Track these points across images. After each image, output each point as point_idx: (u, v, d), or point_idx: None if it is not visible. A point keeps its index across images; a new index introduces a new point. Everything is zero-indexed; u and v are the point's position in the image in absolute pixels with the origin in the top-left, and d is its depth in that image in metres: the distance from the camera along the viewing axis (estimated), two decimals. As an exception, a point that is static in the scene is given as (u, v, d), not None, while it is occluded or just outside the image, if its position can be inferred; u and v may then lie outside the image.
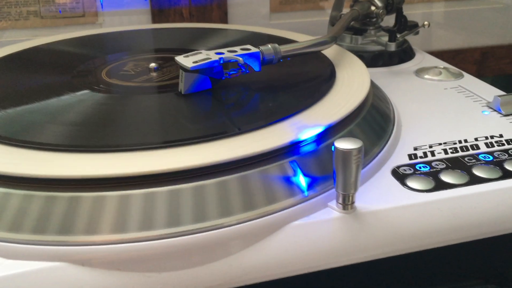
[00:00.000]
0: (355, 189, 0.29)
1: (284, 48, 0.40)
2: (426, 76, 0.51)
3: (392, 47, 0.53)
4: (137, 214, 0.27)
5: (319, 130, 0.32)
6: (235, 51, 0.39)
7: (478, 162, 0.35)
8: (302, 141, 0.32)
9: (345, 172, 0.28)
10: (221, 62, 0.37)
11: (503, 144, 0.37)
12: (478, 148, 0.36)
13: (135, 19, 0.66)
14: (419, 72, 0.52)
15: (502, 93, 0.46)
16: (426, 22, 0.53)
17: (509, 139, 0.37)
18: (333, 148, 0.28)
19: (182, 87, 0.38)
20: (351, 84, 0.40)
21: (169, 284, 0.27)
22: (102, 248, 0.27)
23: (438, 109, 0.43)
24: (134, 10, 0.66)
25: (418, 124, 0.41)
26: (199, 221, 0.28)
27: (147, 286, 0.27)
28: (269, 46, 0.40)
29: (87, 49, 0.51)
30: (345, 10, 0.57)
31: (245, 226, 0.28)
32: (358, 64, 0.44)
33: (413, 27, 0.55)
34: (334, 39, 0.45)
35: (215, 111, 0.37)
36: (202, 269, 0.28)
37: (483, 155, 0.35)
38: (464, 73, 0.51)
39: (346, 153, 0.28)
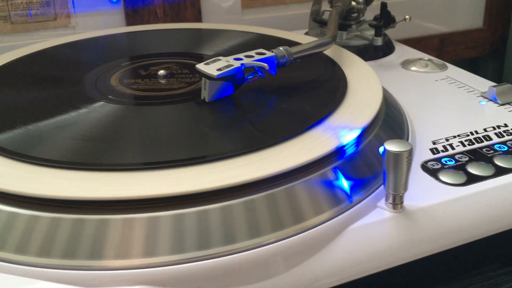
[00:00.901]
0: (405, 189, 0.30)
1: (293, 50, 0.41)
2: (413, 68, 0.54)
3: (379, 41, 0.55)
4: (193, 232, 0.27)
5: (357, 133, 0.33)
6: (252, 56, 0.39)
7: (497, 153, 0.37)
8: (343, 146, 0.32)
9: (396, 173, 0.29)
10: (243, 68, 0.37)
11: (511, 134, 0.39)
12: (490, 139, 0.39)
13: (108, 21, 0.64)
14: (405, 64, 0.55)
15: (488, 82, 0.49)
16: (407, 16, 0.55)
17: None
18: (382, 151, 0.29)
19: (206, 95, 0.37)
20: (362, 84, 0.41)
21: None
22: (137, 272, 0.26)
23: (438, 102, 0.45)
24: (107, 11, 0.64)
25: (425, 118, 0.42)
26: (253, 237, 0.28)
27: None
28: (281, 48, 0.40)
29: (86, 54, 0.49)
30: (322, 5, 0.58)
31: (305, 235, 0.29)
32: (361, 64, 0.45)
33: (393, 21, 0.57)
34: (335, 39, 0.46)
35: (241, 121, 0.37)
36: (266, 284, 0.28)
37: (498, 145, 0.38)
38: (447, 64, 0.54)
39: (398, 155, 0.29)
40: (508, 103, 0.44)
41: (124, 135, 0.34)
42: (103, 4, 0.63)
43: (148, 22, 0.66)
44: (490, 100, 0.45)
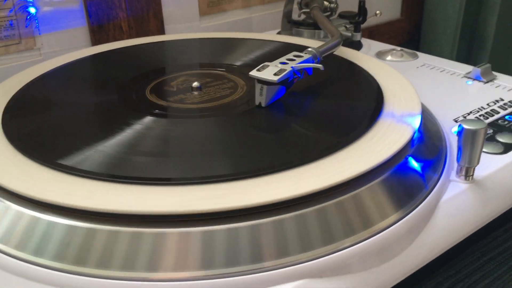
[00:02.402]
0: (478, 162, 0.34)
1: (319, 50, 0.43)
2: (389, 58, 0.59)
3: (358, 36, 0.59)
4: (270, 240, 0.28)
5: (418, 118, 0.37)
6: (293, 59, 0.41)
7: (511, 124, 0.43)
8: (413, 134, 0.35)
9: (473, 148, 0.33)
10: (294, 71, 0.39)
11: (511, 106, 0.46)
12: (497, 112, 0.45)
13: (73, 38, 0.61)
14: (380, 55, 0.60)
15: (458, 63, 0.56)
16: (378, 12, 0.60)
17: (510, 101, 0.47)
18: (458, 130, 0.33)
19: (262, 100, 0.38)
20: (396, 87, 0.43)
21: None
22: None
23: (430, 86, 0.51)
24: (72, 29, 0.61)
25: (431, 101, 0.47)
26: (348, 235, 0.29)
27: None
28: (311, 49, 0.42)
29: (117, 66, 0.48)
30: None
31: (406, 221, 0.31)
32: (386, 67, 0.48)
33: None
34: (342, 36, 0.49)
35: (296, 129, 0.37)
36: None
37: (507, 116, 0.44)
38: (416, 52, 0.60)
39: (476, 132, 0.33)
40: (491, 80, 0.51)
41: (186, 148, 0.34)
42: (67, 22, 0.60)
43: (114, 37, 0.64)
44: (475, 79, 0.51)
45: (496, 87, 0.50)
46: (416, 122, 0.36)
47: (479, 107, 0.46)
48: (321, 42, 0.47)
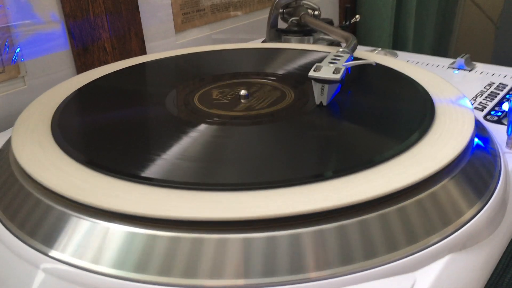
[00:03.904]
0: (525, 132, 0.39)
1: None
2: (372, 59, 0.63)
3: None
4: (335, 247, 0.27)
5: (468, 102, 0.41)
6: (338, 58, 0.43)
7: (516, 99, 0.49)
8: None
9: (522, 120, 0.38)
10: (347, 68, 0.41)
11: (505, 86, 0.52)
12: (497, 93, 0.51)
13: (58, 63, 0.58)
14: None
15: (434, 57, 0.62)
16: (357, 16, 0.65)
17: (501, 83, 0.53)
18: (509, 107, 0.38)
19: (324, 99, 0.40)
20: (429, 78, 0.46)
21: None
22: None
23: (426, 77, 0.56)
24: (55, 54, 0.58)
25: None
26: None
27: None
28: (345, 49, 0.45)
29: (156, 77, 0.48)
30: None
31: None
32: (412, 66, 0.53)
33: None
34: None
35: (358, 129, 0.37)
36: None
37: (508, 95, 0.50)
38: (395, 51, 0.66)
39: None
40: (473, 69, 0.57)
41: (248, 153, 0.34)
42: (50, 47, 0.58)
43: (98, 59, 0.62)
44: (459, 69, 0.58)
45: (481, 73, 0.56)
46: (468, 103, 0.40)
47: (480, 90, 0.52)
48: (334, 47, 0.50)
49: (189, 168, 0.32)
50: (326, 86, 0.40)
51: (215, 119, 0.39)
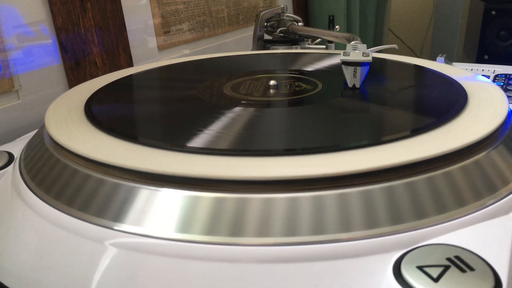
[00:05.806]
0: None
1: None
2: (356, 64, 0.67)
3: (332, 47, 0.66)
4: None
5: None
6: (357, 46, 0.45)
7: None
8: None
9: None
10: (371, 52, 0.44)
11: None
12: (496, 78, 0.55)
13: (50, 76, 0.56)
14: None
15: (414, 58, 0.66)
16: (337, 26, 0.68)
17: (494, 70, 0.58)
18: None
19: (356, 82, 0.42)
20: (452, 69, 0.51)
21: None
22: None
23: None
24: (48, 67, 0.56)
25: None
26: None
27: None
28: (357, 43, 0.48)
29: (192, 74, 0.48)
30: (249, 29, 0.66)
31: None
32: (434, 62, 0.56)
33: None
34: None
35: (397, 107, 0.38)
36: None
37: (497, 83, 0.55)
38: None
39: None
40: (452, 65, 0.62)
41: (295, 126, 0.34)
42: (43, 62, 0.56)
43: (90, 73, 0.60)
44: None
45: (465, 68, 0.61)
46: (490, 81, 0.43)
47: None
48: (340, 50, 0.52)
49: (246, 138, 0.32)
50: (359, 68, 0.42)
51: (250, 101, 0.39)
